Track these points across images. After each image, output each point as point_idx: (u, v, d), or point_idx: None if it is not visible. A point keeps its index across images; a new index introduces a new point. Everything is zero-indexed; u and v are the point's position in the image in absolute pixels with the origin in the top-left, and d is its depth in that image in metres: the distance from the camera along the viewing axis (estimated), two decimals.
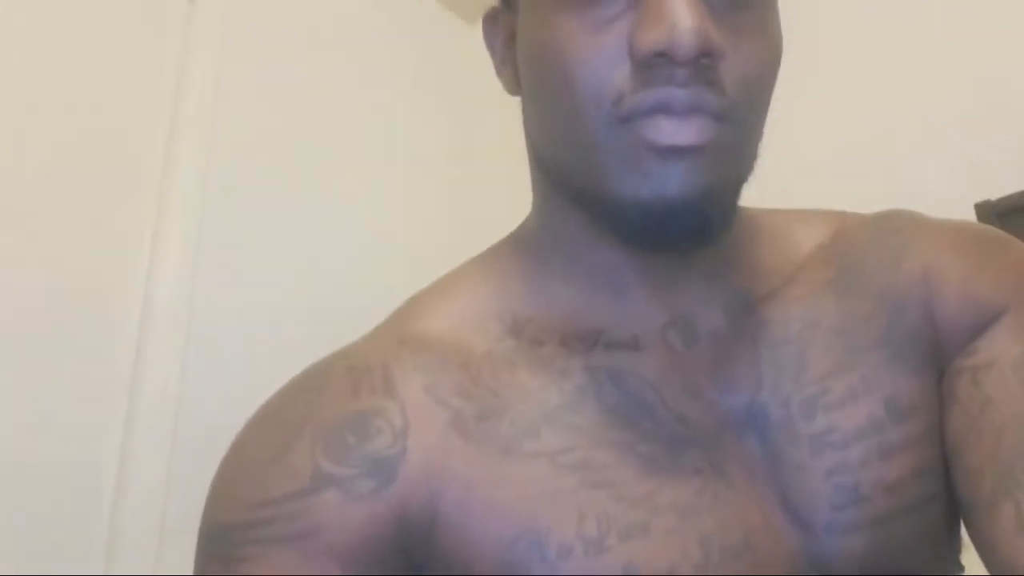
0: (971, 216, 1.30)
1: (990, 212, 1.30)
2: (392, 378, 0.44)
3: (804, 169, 1.43)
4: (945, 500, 0.45)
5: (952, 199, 1.30)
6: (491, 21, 0.53)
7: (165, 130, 1.38)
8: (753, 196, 0.51)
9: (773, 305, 0.49)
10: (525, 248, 0.53)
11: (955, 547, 0.47)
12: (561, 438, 0.43)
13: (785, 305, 0.49)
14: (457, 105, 1.92)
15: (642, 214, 0.42)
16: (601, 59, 0.41)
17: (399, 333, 0.49)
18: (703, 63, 0.40)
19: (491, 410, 0.44)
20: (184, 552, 0.44)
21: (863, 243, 0.51)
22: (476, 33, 0.55)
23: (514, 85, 0.51)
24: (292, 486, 0.40)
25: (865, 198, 0.58)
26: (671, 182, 0.40)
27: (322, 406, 0.43)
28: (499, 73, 0.52)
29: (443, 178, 1.83)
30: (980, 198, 1.32)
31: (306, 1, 1.69)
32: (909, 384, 0.46)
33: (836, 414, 0.45)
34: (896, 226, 0.52)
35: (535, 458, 0.42)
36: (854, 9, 1.58)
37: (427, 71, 1.91)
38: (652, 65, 0.40)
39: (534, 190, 0.53)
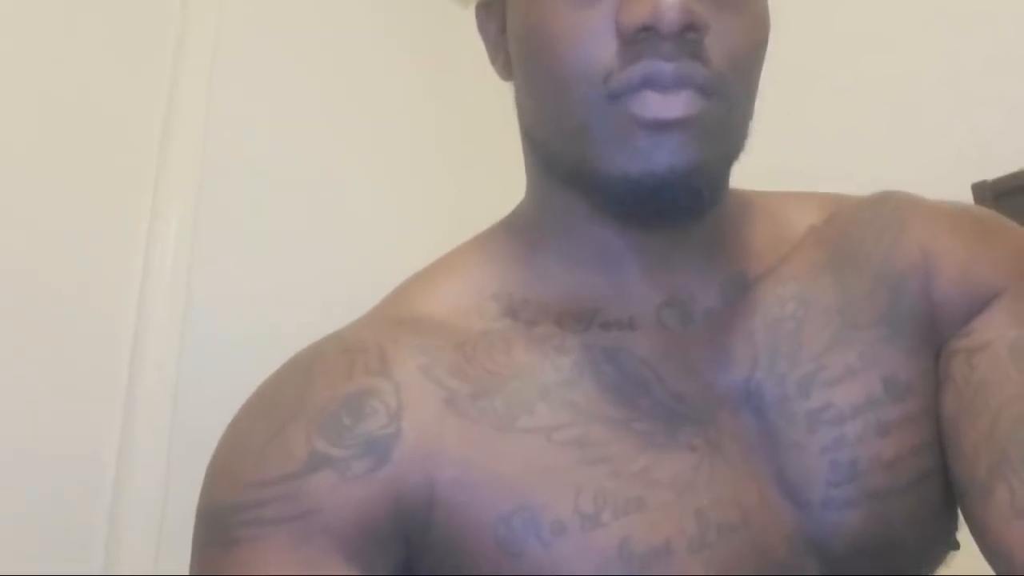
0: (968, 196, 1.30)
1: (987, 192, 1.29)
2: (387, 358, 0.44)
3: (800, 149, 1.43)
4: (941, 478, 0.45)
5: (949, 179, 1.29)
6: (484, 9, 0.53)
7: (160, 123, 1.36)
8: (747, 176, 0.51)
9: (768, 284, 0.49)
10: (520, 230, 0.53)
11: (950, 525, 0.47)
12: (557, 414, 0.43)
13: (780, 284, 0.49)
14: (453, 89, 1.90)
15: (632, 190, 0.42)
16: (588, 37, 0.42)
17: (394, 314, 0.49)
18: (688, 36, 0.40)
19: (486, 388, 0.44)
20: (184, 552, 0.43)
21: (859, 223, 0.51)
22: (471, 15, 0.55)
23: (507, 71, 0.51)
24: (288, 467, 0.40)
25: (862, 178, 0.58)
26: (660, 157, 0.41)
27: (317, 387, 0.43)
28: (492, 60, 0.53)
29: (441, 166, 1.82)
30: (977, 178, 1.31)
31: None
32: (906, 362, 0.46)
33: (832, 391, 0.45)
34: (893, 207, 0.51)
35: (531, 434, 0.42)
36: None
37: (422, 55, 1.90)
38: (638, 40, 0.40)
39: (527, 173, 0.53)
